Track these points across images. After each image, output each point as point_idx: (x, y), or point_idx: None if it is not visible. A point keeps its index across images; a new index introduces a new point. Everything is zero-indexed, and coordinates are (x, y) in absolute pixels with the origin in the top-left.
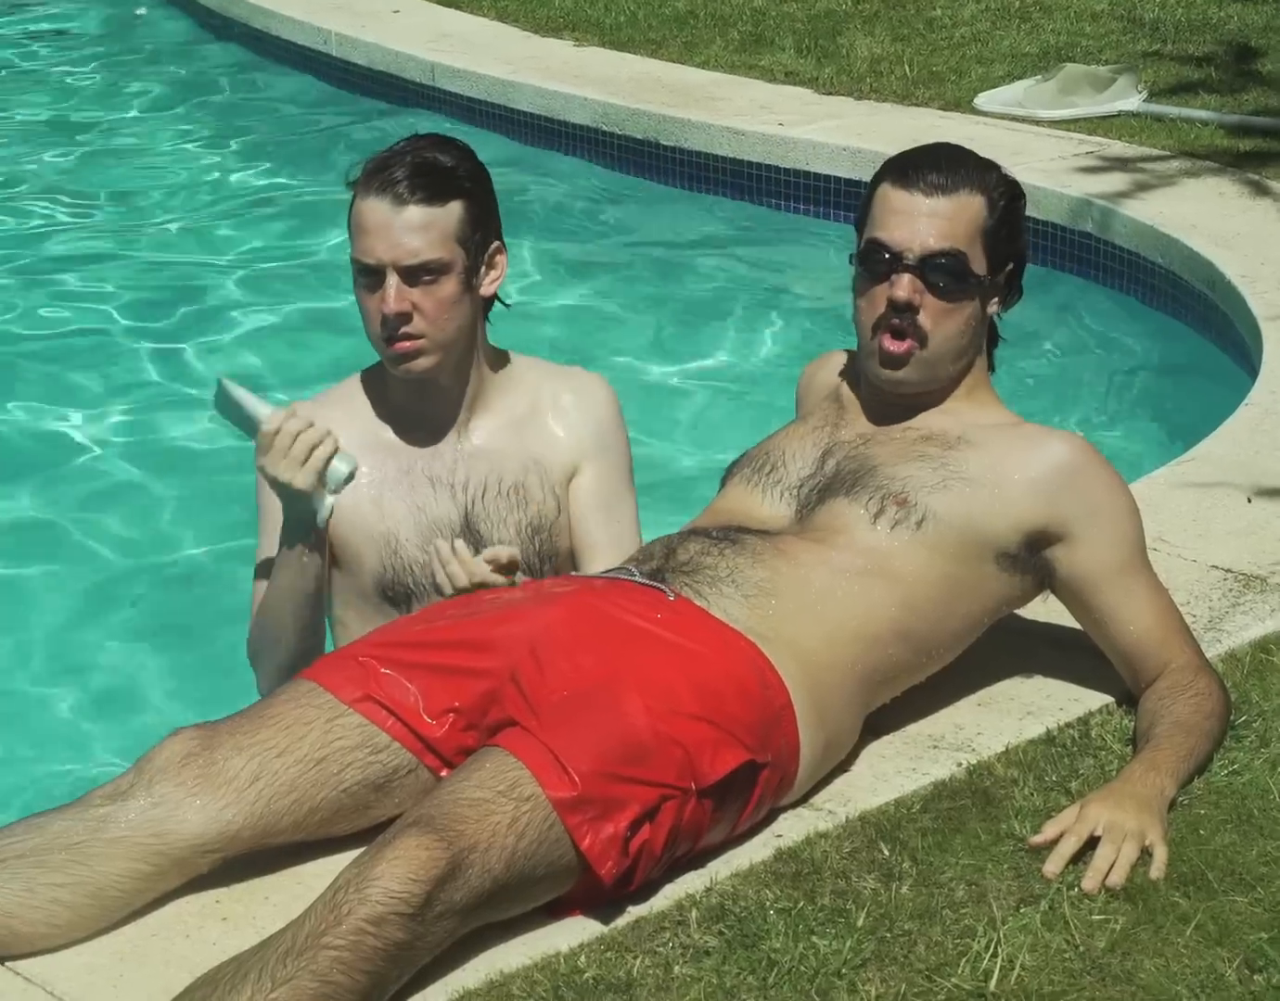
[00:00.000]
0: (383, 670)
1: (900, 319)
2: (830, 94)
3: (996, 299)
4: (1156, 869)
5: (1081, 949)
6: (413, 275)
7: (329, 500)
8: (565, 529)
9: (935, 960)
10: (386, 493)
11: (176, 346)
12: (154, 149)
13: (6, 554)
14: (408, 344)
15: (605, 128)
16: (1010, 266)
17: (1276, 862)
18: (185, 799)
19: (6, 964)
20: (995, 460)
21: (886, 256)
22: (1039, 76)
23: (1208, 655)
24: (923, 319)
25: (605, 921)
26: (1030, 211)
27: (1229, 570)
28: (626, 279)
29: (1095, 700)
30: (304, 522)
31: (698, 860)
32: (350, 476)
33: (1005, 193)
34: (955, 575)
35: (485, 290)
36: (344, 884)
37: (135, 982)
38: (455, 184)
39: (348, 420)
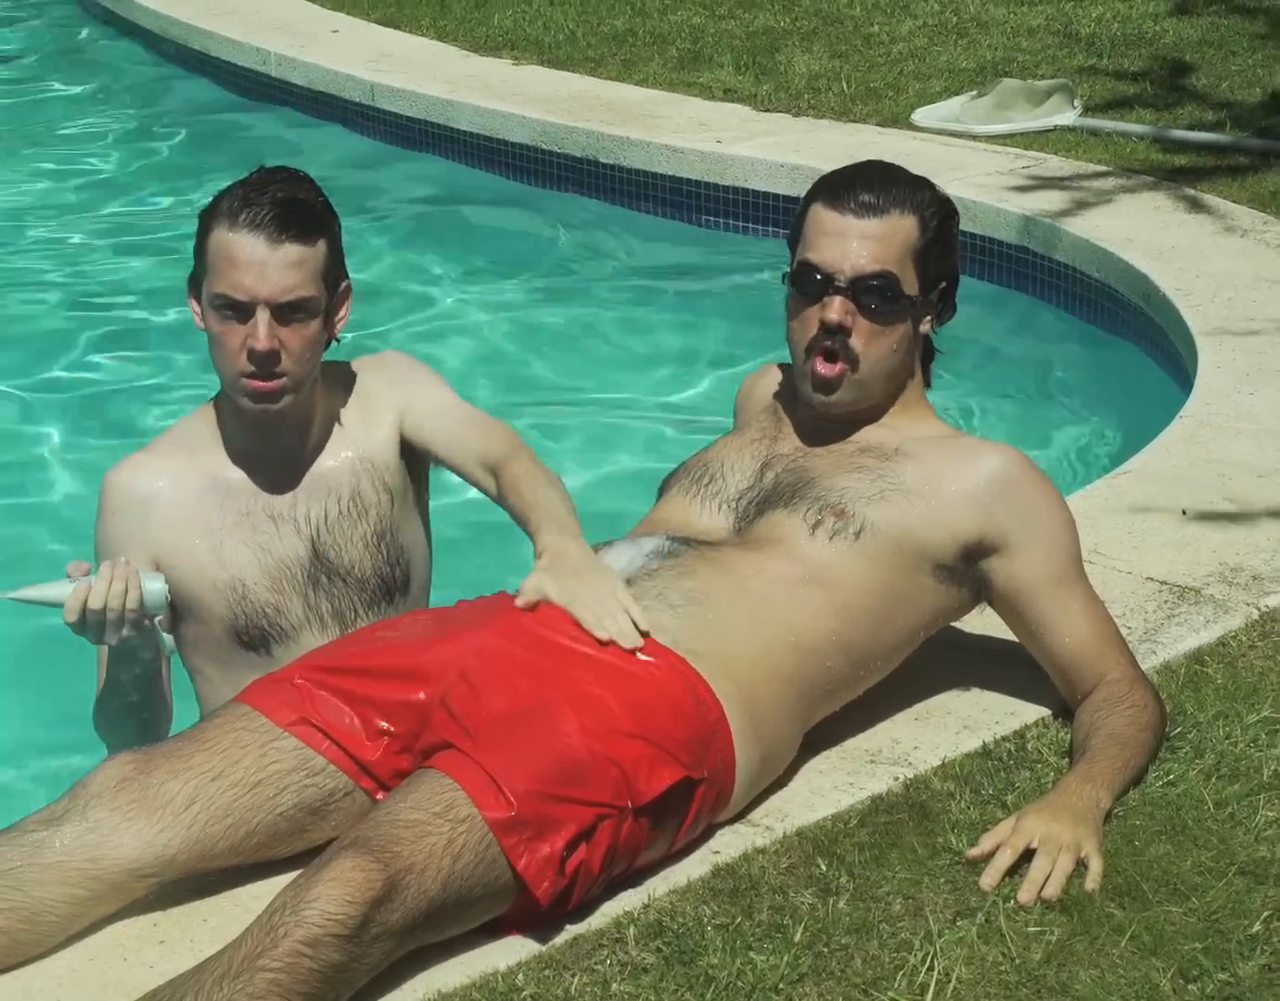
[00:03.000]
0: (318, 693)
1: (832, 341)
2: (768, 111)
3: (929, 317)
4: (1092, 880)
5: (1017, 961)
6: (283, 313)
7: (167, 638)
8: (404, 525)
9: (872, 974)
10: (226, 540)
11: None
12: (90, 171)
13: None
14: (275, 382)
15: (544, 146)
16: (943, 285)
17: (1211, 873)
18: (121, 823)
19: None
20: (932, 472)
21: (818, 278)
22: (975, 92)
23: (1143, 667)
24: (854, 341)
25: (543, 940)
26: (967, 226)
27: (1164, 582)
28: (564, 296)
29: (1031, 713)
30: (140, 653)
31: (635, 877)
32: (167, 592)
33: (937, 212)
34: (893, 586)
35: (336, 328)
36: (280, 906)
37: None
38: (320, 221)
39: (185, 466)
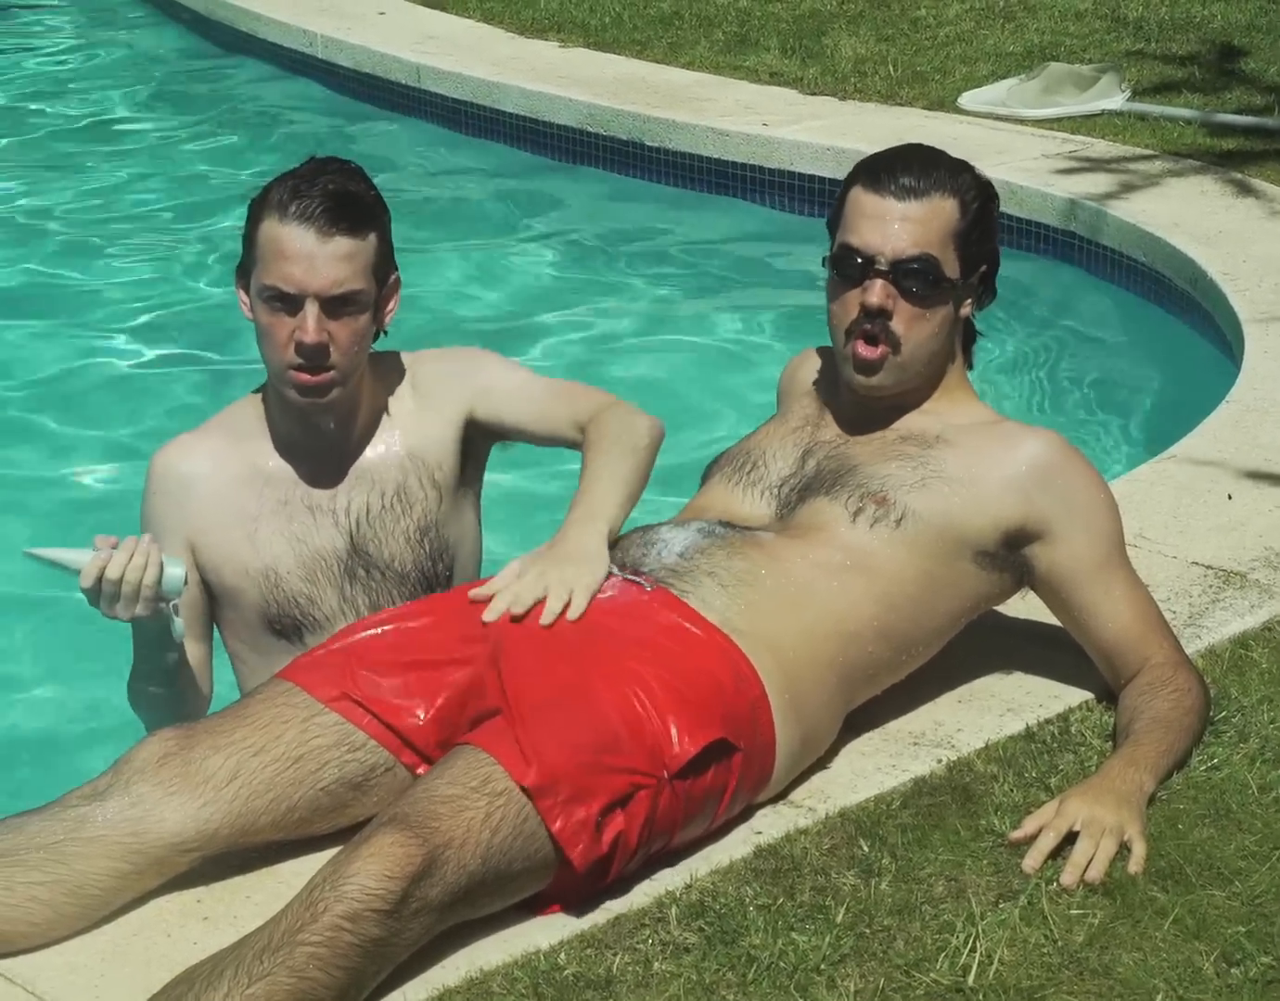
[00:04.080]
0: (359, 669)
1: (873, 324)
2: (815, 94)
3: (970, 300)
4: (1135, 863)
5: (1060, 943)
6: (332, 306)
7: (178, 622)
8: (451, 519)
9: (914, 955)
10: (262, 527)
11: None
12: (138, 153)
13: None
14: (323, 376)
15: (590, 129)
16: (984, 268)
17: (1254, 857)
18: (163, 798)
19: None
20: (973, 459)
21: (859, 261)
22: (1023, 76)
23: (1187, 651)
24: (895, 324)
25: (585, 918)
26: (1014, 210)
27: (1209, 566)
28: (610, 279)
29: (1075, 696)
30: (161, 635)
31: (676, 857)
32: (185, 578)
33: (978, 195)
34: (934, 573)
35: (385, 321)
36: (320, 881)
37: (117, 982)
38: (371, 214)
39: (228, 451)
